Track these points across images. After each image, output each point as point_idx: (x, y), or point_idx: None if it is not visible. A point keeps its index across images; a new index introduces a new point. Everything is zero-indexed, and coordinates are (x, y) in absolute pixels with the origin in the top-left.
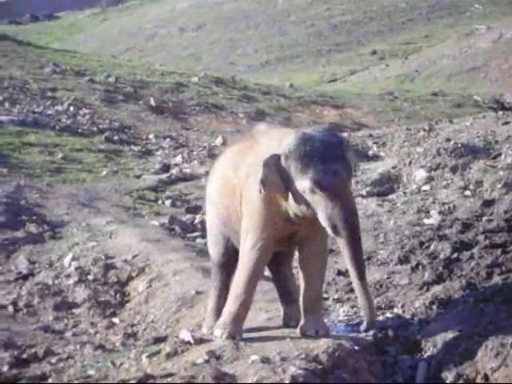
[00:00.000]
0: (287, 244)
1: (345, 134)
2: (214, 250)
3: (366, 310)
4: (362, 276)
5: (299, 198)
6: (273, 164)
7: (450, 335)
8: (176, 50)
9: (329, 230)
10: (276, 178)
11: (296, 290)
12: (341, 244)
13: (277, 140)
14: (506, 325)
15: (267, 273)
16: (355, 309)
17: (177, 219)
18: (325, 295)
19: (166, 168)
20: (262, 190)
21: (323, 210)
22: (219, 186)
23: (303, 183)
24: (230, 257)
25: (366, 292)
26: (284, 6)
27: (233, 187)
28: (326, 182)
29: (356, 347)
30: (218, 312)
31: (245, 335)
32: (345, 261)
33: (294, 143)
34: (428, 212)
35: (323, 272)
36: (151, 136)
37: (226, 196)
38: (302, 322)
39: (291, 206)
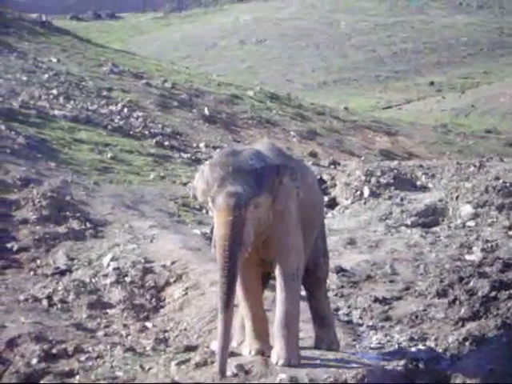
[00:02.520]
0: (264, 264)
1: (394, 163)
2: None
3: (218, 347)
4: (223, 306)
5: None
6: (202, 172)
7: (480, 373)
8: (235, 62)
9: (212, 248)
10: (203, 185)
11: (330, 314)
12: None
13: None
14: None
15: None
16: (388, 337)
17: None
18: (359, 321)
19: None
20: (192, 196)
21: (214, 228)
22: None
23: (209, 197)
24: None
25: (221, 326)
26: (346, 29)
27: None
28: (217, 201)
29: (385, 376)
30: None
31: None
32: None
33: (216, 158)
34: (470, 248)
35: (290, 296)
36: (202, 145)
37: None
38: (274, 347)
39: None
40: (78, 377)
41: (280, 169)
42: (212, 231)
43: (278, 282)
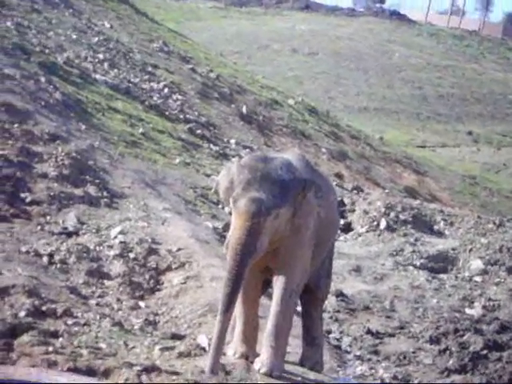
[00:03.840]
0: (268, 271)
1: (416, 202)
2: None
3: (211, 348)
4: (223, 309)
5: None
6: (229, 169)
7: None
8: (282, 68)
9: (224, 248)
10: (227, 183)
11: (320, 336)
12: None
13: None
14: None
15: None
16: (373, 371)
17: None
18: (348, 348)
19: None
20: (213, 191)
21: (231, 229)
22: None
23: (231, 197)
24: None
25: (218, 329)
26: (398, 61)
27: None
28: (239, 203)
29: None
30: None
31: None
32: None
33: (246, 160)
34: (472, 302)
35: (285, 309)
36: (232, 141)
37: None
38: (260, 356)
39: None
40: (61, 339)
41: (306, 183)
42: (225, 228)
43: (276, 294)
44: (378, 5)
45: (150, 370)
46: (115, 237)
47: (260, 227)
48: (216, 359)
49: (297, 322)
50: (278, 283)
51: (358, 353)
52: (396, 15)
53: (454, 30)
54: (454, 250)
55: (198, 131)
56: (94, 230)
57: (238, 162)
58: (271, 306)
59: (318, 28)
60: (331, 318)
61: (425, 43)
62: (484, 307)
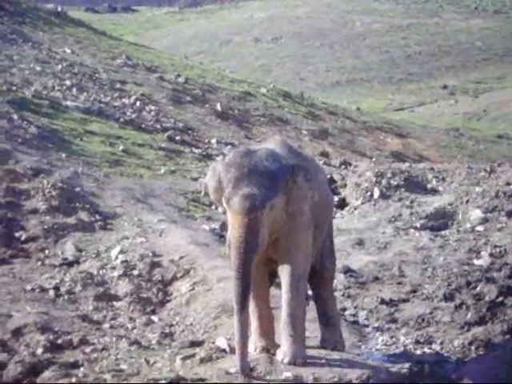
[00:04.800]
0: (271, 262)
1: (405, 165)
2: None
3: (236, 348)
4: (239, 307)
5: None
6: (214, 169)
7: (484, 378)
8: (248, 59)
9: (226, 249)
10: (215, 183)
11: (336, 315)
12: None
13: None
14: None
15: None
16: (394, 339)
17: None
18: (365, 322)
19: None
20: (203, 193)
21: (229, 228)
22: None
23: (223, 198)
24: None
25: (238, 328)
26: (361, 30)
27: None
28: (232, 203)
29: (389, 378)
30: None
31: None
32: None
33: (230, 158)
34: (479, 253)
35: (296, 296)
36: (213, 141)
37: None
38: (281, 346)
39: None
40: (82, 368)
41: (294, 169)
42: (222, 228)
43: (284, 282)
44: None
45: (175, 382)
46: (116, 257)
47: (258, 222)
48: (244, 359)
49: (310, 305)
50: (284, 272)
51: (376, 324)
52: None
53: None
54: (450, 204)
55: (178, 137)
56: (93, 255)
57: (223, 160)
58: (282, 296)
59: (275, 13)
60: (343, 295)
61: (384, 7)
62: (491, 255)
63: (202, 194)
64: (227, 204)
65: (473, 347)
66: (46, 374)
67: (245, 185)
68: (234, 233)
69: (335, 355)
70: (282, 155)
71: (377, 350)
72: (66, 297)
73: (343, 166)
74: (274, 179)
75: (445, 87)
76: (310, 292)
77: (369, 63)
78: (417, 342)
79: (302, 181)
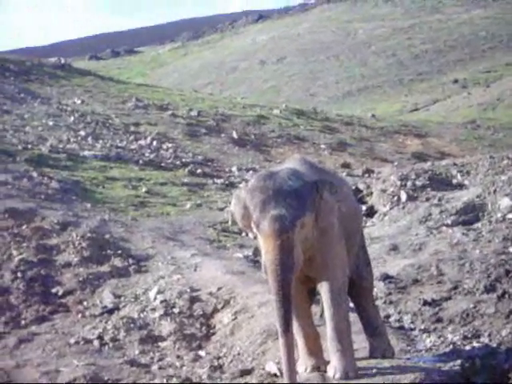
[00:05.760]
0: (309, 280)
1: (428, 164)
2: None
3: (284, 370)
4: (283, 330)
5: None
6: (238, 197)
7: None
8: (257, 83)
9: (263, 273)
10: (241, 210)
11: (381, 323)
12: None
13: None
14: None
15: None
16: (442, 338)
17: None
18: (411, 325)
19: None
20: (230, 222)
21: (262, 253)
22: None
23: (252, 223)
24: None
25: (284, 350)
26: (364, 37)
27: None
28: (262, 226)
29: (443, 377)
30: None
31: None
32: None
33: (253, 182)
34: None
35: (338, 310)
36: (234, 169)
37: None
38: (331, 362)
39: None
40: None
41: (319, 184)
42: (255, 253)
43: (325, 298)
44: None
45: None
46: (155, 298)
47: (290, 242)
48: (294, 380)
49: (354, 317)
50: (324, 288)
51: (422, 326)
52: None
53: None
54: (479, 196)
55: (199, 171)
56: (132, 299)
57: (246, 186)
58: (324, 312)
59: (277, 33)
60: (385, 302)
61: (383, 11)
62: None
63: (230, 223)
64: (257, 229)
65: None
66: None
67: (272, 207)
68: (268, 256)
69: (386, 363)
70: (304, 172)
71: (426, 351)
72: (110, 345)
73: (366, 175)
74: (300, 197)
75: (456, 81)
76: (351, 304)
77: (377, 69)
78: (465, 337)
79: (328, 195)
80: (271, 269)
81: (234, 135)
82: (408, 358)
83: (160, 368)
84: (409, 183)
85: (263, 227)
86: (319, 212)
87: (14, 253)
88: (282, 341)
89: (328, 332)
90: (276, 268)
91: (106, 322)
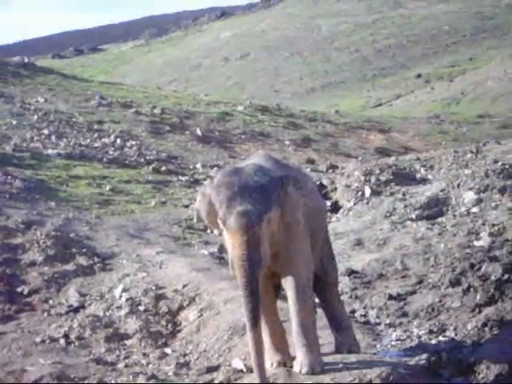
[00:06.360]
0: (275, 276)
1: (392, 159)
2: None
3: (253, 365)
4: (251, 324)
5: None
6: (203, 194)
7: (503, 357)
8: (221, 80)
9: (230, 269)
10: (206, 207)
11: (346, 318)
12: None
13: None
14: None
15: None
16: (408, 333)
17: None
18: (377, 320)
19: None
20: (196, 219)
21: (228, 248)
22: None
23: (218, 219)
24: None
25: (253, 345)
26: (327, 33)
27: None
28: (229, 222)
29: (409, 371)
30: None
31: None
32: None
33: (219, 178)
34: (478, 234)
35: (303, 306)
36: (198, 165)
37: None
38: (296, 358)
39: None
40: None
41: (284, 180)
42: (221, 250)
43: (290, 294)
44: None
45: None
46: (120, 296)
47: (257, 237)
48: (264, 375)
49: (319, 313)
50: (288, 283)
51: (387, 321)
52: None
53: None
54: (442, 191)
55: (163, 168)
56: (98, 298)
57: (211, 183)
58: (289, 307)
59: (240, 30)
60: (351, 297)
61: (346, 7)
62: (491, 234)
63: (195, 220)
64: (224, 225)
65: (486, 328)
66: None
67: (238, 203)
68: (235, 252)
69: (352, 358)
70: (270, 168)
71: (392, 346)
72: (76, 343)
73: (331, 170)
74: (266, 193)
75: (419, 76)
76: (316, 300)
77: (340, 65)
78: (430, 331)
79: (293, 190)
80: (239, 264)
81: (198, 132)
82: (374, 353)
83: (126, 366)
84: (373, 178)
85: (230, 223)
86: (285, 207)
87: None
88: (251, 335)
89: (293, 327)
90: (243, 263)
91: (72, 321)
